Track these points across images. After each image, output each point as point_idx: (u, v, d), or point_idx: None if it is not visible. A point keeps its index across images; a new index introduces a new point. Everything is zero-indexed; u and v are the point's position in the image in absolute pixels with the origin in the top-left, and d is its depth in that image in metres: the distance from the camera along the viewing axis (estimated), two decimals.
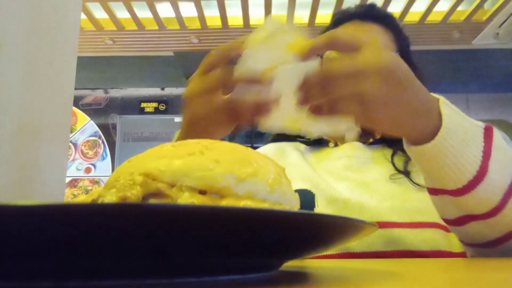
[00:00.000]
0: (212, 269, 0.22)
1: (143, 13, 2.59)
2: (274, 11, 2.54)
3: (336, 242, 0.27)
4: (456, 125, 0.44)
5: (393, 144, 0.72)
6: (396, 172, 0.68)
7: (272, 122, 0.46)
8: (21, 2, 0.49)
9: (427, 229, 0.59)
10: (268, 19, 0.45)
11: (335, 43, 0.42)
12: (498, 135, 0.47)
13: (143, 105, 3.82)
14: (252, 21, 2.66)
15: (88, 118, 3.81)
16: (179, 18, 2.61)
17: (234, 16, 2.66)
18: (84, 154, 3.75)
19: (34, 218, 0.16)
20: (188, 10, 2.57)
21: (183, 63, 3.31)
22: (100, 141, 3.78)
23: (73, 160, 3.73)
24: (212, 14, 2.64)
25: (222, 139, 0.46)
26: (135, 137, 3.84)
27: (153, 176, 0.23)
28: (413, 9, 2.50)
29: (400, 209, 0.61)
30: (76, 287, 0.20)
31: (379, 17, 0.77)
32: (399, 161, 0.69)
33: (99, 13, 2.61)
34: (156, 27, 2.73)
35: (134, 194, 0.23)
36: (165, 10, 2.57)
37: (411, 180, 0.65)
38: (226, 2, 2.44)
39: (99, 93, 3.86)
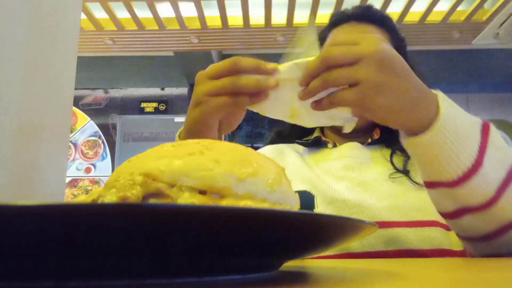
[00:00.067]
0: (212, 269, 0.22)
1: (143, 13, 2.59)
2: (274, 11, 2.54)
3: (336, 242, 0.27)
4: (453, 117, 0.45)
5: (391, 144, 0.72)
6: (395, 171, 0.68)
7: (268, 108, 0.49)
8: (21, 2, 0.49)
9: (427, 228, 0.59)
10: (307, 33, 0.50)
11: (330, 65, 0.44)
12: (494, 131, 0.48)
13: (143, 105, 3.82)
14: (252, 21, 2.67)
15: (88, 118, 3.81)
16: (179, 18, 2.61)
17: (234, 16, 2.66)
18: (84, 154, 3.75)
19: (34, 218, 0.16)
20: (188, 10, 2.57)
21: (183, 63, 3.31)
22: (100, 141, 3.78)
23: (73, 160, 3.73)
24: (212, 14, 2.64)
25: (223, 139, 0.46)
26: (135, 137, 3.84)
27: (153, 176, 0.23)
28: (413, 9, 2.51)
29: (399, 208, 0.61)
30: (76, 287, 0.20)
31: (376, 18, 0.78)
32: (398, 161, 0.69)
33: (99, 13, 2.61)
34: (156, 27, 2.73)
35: (134, 194, 0.23)
36: (165, 10, 2.57)
37: (410, 179, 0.66)
38: (226, 2, 2.44)
39: (99, 93, 3.85)
